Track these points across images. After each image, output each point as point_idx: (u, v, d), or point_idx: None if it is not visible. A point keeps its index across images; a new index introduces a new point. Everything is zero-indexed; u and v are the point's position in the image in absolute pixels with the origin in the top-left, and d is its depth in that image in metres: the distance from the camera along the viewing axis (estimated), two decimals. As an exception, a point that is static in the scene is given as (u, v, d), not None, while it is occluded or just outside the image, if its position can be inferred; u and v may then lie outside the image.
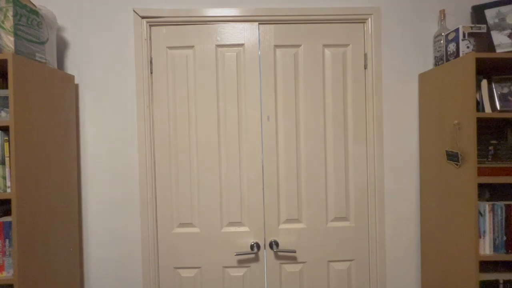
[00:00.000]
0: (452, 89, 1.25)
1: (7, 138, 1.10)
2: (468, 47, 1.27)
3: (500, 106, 1.22)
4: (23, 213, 1.09)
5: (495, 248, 1.20)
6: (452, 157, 1.24)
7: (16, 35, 1.12)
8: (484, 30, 1.27)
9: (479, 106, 1.24)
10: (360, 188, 1.52)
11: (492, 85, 1.24)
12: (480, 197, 1.26)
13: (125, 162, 1.49)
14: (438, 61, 1.46)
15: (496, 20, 1.33)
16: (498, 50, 1.29)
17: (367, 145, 1.52)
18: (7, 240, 1.10)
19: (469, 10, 1.52)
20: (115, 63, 1.49)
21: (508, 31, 1.30)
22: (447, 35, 1.36)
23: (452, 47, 1.32)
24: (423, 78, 1.47)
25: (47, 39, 1.29)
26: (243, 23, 1.50)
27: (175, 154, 1.50)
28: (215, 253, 1.50)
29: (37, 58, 1.22)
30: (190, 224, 1.51)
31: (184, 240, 1.50)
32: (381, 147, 1.50)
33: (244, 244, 1.50)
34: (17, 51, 1.12)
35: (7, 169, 1.10)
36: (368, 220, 1.52)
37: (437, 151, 1.36)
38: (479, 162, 1.22)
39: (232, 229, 1.51)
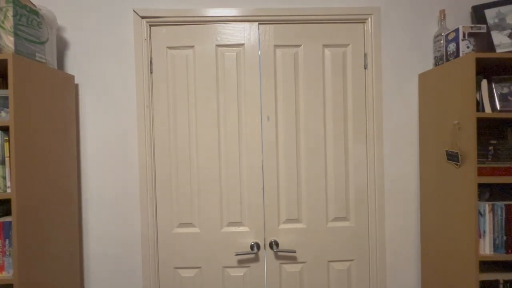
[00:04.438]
0: (452, 89, 1.25)
1: (7, 138, 1.10)
2: (468, 47, 1.27)
3: (500, 106, 1.22)
4: (23, 213, 1.09)
5: (495, 248, 1.20)
6: (452, 157, 1.24)
7: (16, 35, 1.12)
8: (484, 30, 1.27)
9: (479, 106, 1.24)
10: (360, 188, 1.52)
11: (492, 85, 1.24)
12: (480, 197, 1.26)
13: (125, 162, 1.49)
14: (438, 61, 1.45)
15: (496, 20, 1.33)
16: (498, 50, 1.29)
17: (367, 145, 1.52)
18: (7, 240, 1.10)
19: (469, 10, 1.52)
20: (115, 63, 1.49)
21: (508, 31, 1.30)
22: (447, 35, 1.36)
23: (452, 47, 1.32)
24: (423, 78, 1.47)
25: (47, 39, 1.29)
26: (243, 23, 1.50)
27: (175, 154, 1.50)
28: (215, 253, 1.50)
29: (37, 58, 1.22)
30: (190, 224, 1.51)
31: (184, 240, 1.50)
32: (381, 147, 1.50)
33: (244, 244, 1.50)
34: (17, 51, 1.12)
35: (7, 169, 1.10)
36: (368, 220, 1.52)
37: (437, 151, 1.36)
38: (479, 162, 1.21)
39: (232, 229, 1.51)
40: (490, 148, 1.23)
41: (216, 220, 1.50)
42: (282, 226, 1.52)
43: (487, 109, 1.23)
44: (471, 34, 1.27)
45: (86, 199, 1.49)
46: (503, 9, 1.34)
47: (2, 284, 1.07)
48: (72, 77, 1.42)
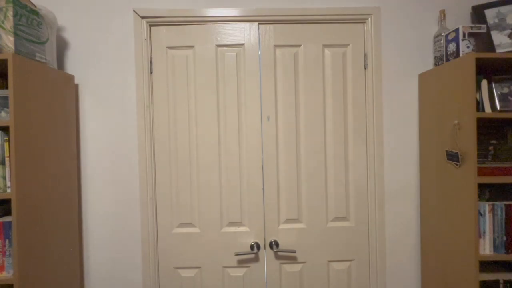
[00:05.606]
0: (452, 89, 1.25)
1: (7, 138, 1.10)
2: (468, 47, 1.27)
3: (500, 106, 1.22)
4: (23, 213, 1.09)
5: (495, 248, 1.20)
6: (452, 157, 1.24)
7: (16, 35, 1.12)
8: (484, 30, 1.27)
9: (479, 106, 1.24)
10: (360, 188, 1.52)
11: (492, 85, 1.24)
12: (480, 197, 1.26)
13: (125, 162, 1.49)
14: (438, 61, 1.45)
15: (496, 20, 1.33)
16: (498, 50, 1.29)
17: (367, 145, 1.52)
18: (7, 240, 1.10)
19: (469, 10, 1.52)
20: (115, 63, 1.49)
21: (508, 31, 1.30)
22: (447, 35, 1.36)
23: (452, 47, 1.32)
24: (423, 78, 1.47)
25: (47, 39, 1.29)
26: (243, 23, 1.50)
27: (175, 154, 1.50)
28: (215, 253, 1.50)
29: (37, 58, 1.22)
30: (190, 224, 1.51)
31: (184, 240, 1.50)
32: (381, 147, 1.50)
33: (244, 244, 1.50)
34: (17, 51, 1.12)
35: (7, 169, 1.10)
36: (368, 220, 1.52)
37: (437, 151, 1.36)
38: (479, 162, 1.22)
39: (232, 229, 1.51)
40: (490, 148, 1.23)
41: (216, 220, 1.50)
42: (282, 226, 1.52)
43: (487, 109, 1.23)
44: (471, 34, 1.27)
45: (86, 199, 1.49)
46: (503, 9, 1.34)
47: (2, 284, 1.07)
48: (72, 77, 1.42)
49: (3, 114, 1.12)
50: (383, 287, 1.50)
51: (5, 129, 1.11)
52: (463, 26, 1.27)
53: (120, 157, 1.49)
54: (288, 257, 1.51)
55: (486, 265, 1.29)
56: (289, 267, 1.51)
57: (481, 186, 1.27)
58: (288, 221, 1.52)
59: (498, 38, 1.30)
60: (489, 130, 1.29)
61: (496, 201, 1.23)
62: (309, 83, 1.51)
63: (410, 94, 1.52)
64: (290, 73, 1.50)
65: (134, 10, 1.47)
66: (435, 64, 1.48)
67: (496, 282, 1.21)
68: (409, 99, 1.52)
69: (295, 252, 1.47)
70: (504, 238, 1.19)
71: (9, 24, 1.10)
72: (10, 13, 1.10)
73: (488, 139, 1.25)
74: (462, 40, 1.27)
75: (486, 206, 1.20)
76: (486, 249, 1.20)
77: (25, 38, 1.16)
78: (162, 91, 1.50)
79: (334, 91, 1.51)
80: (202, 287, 1.50)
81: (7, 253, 1.10)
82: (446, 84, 1.29)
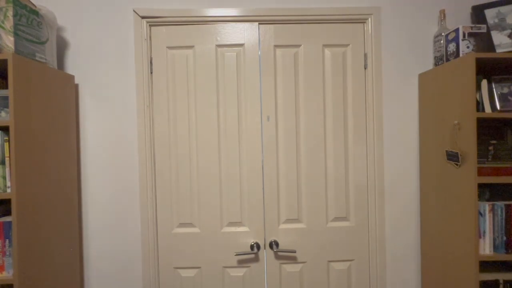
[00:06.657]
0: (452, 89, 1.25)
1: (7, 138, 1.10)
2: (468, 47, 1.27)
3: (500, 106, 1.22)
4: (23, 213, 1.09)
5: (495, 248, 1.20)
6: (452, 157, 1.24)
7: (16, 35, 1.12)
8: (484, 30, 1.27)
9: (479, 106, 1.24)
10: (360, 188, 1.52)
11: (492, 85, 1.24)
12: (480, 197, 1.26)
13: (125, 162, 1.49)
14: (438, 61, 1.46)
15: (496, 20, 1.33)
16: (498, 50, 1.29)
17: (367, 145, 1.52)
18: (7, 240, 1.10)
19: (469, 10, 1.52)
20: (115, 63, 1.49)
21: (508, 31, 1.30)
22: (447, 35, 1.36)
23: (452, 47, 1.32)
24: (423, 78, 1.47)
25: (47, 39, 1.29)
26: (243, 23, 1.50)
27: (175, 154, 1.50)
28: (215, 253, 1.50)
29: (37, 58, 1.22)
30: (190, 224, 1.51)
31: (184, 240, 1.50)
32: (381, 147, 1.50)
33: (244, 244, 1.50)
34: (17, 51, 1.12)
35: (7, 169, 1.10)
36: (368, 220, 1.52)
37: (437, 151, 1.36)
38: (479, 162, 1.22)
39: (232, 229, 1.51)
40: (490, 148, 1.23)
41: (216, 220, 1.50)
42: (282, 226, 1.52)
43: (487, 109, 1.23)
44: (471, 34, 1.27)
45: (86, 199, 1.49)
46: (503, 9, 1.34)
47: (2, 284, 1.07)
48: (72, 77, 1.42)
49: (3, 114, 1.12)
50: (383, 287, 1.50)
51: (5, 129, 1.11)
52: (463, 26, 1.27)
53: (120, 157, 1.49)
54: (288, 257, 1.51)
55: (486, 265, 1.29)
56: (289, 267, 1.51)
57: (481, 186, 1.27)
58: (288, 221, 1.52)
59: (498, 38, 1.30)
60: (489, 130, 1.29)
61: (496, 201, 1.23)
62: (309, 83, 1.51)
63: (410, 94, 1.52)
64: (290, 73, 1.50)
65: (134, 10, 1.47)
66: (435, 64, 1.48)
67: (496, 282, 1.21)
68: (409, 99, 1.52)
69: (295, 252, 1.47)
70: (504, 238, 1.19)
71: (9, 24, 1.10)
72: (10, 13, 1.10)
73: (488, 139, 1.25)
74: (462, 40, 1.27)
75: (486, 206, 1.20)
76: (486, 249, 1.20)
77: (25, 38, 1.16)
78: (162, 91, 1.50)
79: (334, 91, 1.51)
80: (202, 287, 1.50)
81: (7, 253, 1.10)
82: (446, 84, 1.29)
